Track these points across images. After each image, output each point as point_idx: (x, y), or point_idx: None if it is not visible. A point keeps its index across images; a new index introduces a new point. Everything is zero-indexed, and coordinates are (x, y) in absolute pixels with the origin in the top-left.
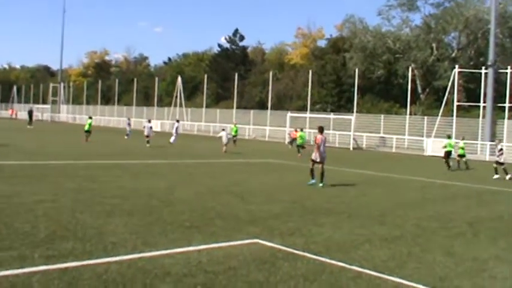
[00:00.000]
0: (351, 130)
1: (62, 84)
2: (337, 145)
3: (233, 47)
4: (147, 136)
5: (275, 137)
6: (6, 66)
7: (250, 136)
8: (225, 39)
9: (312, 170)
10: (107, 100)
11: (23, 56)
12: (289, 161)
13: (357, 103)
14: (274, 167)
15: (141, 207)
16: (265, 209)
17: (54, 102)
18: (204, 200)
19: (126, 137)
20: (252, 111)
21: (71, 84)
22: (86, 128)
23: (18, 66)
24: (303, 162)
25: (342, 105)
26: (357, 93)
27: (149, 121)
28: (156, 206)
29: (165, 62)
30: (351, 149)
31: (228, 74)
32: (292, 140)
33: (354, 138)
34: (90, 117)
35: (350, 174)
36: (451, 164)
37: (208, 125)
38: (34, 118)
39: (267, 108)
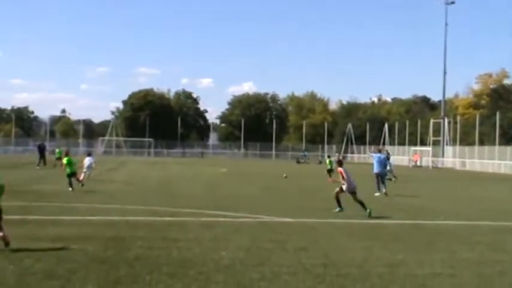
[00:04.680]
0: None
1: (446, 120)
2: None
3: None
4: None
5: None
6: (375, 100)
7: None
8: None
9: None
10: (508, 138)
11: (396, 87)
12: None
13: None
14: None
15: None
16: None
17: (436, 142)
18: None
19: None
20: None
21: (458, 118)
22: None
23: (389, 99)
24: None
25: None
26: None
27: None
28: None
29: None
30: None
31: None
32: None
33: None
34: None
35: None
36: None
37: None
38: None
39: None
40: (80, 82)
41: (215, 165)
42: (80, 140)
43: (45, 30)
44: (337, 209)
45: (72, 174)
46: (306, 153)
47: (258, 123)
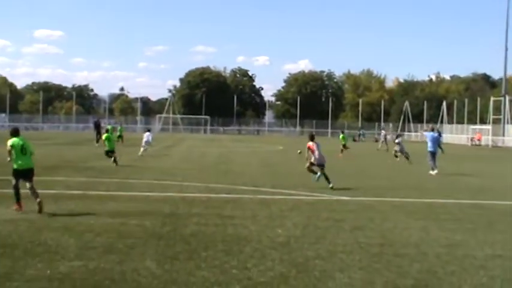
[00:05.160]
0: None
1: (507, 98)
2: None
3: None
4: None
5: None
6: (433, 78)
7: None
8: None
9: None
10: None
11: (455, 64)
12: None
13: None
14: None
15: None
16: None
17: (496, 121)
18: None
19: None
20: None
21: None
22: None
23: (448, 77)
24: None
25: None
26: None
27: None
28: None
29: None
30: None
31: None
32: None
33: None
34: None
35: None
36: None
37: None
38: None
39: None
40: (138, 60)
41: (271, 143)
42: (138, 118)
43: (105, 10)
44: (317, 176)
45: (110, 151)
46: (362, 131)
47: (314, 101)
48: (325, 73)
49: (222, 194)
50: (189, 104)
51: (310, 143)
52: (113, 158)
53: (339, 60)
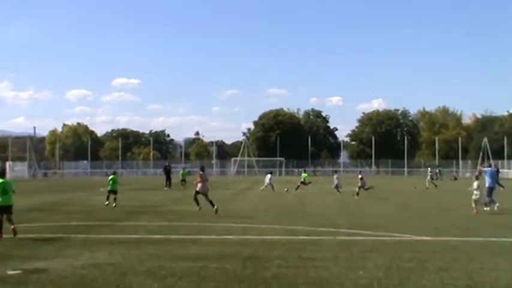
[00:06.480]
0: None
1: None
2: None
3: None
4: None
5: None
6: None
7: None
8: None
9: None
10: None
11: None
12: None
13: None
14: None
15: None
16: None
17: None
18: None
19: None
20: None
21: None
22: None
23: None
24: None
25: None
26: None
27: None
28: None
29: None
30: None
31: None
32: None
33: None
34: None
35: None
36: None
37: None
38: None
39: None
40: (212, 105)
41: (347, 184)
42: (214, 161)
43: (178, 57)
44: (197, 208)
45: (113, 192)
46: (440, 169)
47: (389, 139)
48: (399, 111)
49: (300, 236)
50: (263, 147)
51: (201, 173)
52: (108, 197)
53: (413, 98)
